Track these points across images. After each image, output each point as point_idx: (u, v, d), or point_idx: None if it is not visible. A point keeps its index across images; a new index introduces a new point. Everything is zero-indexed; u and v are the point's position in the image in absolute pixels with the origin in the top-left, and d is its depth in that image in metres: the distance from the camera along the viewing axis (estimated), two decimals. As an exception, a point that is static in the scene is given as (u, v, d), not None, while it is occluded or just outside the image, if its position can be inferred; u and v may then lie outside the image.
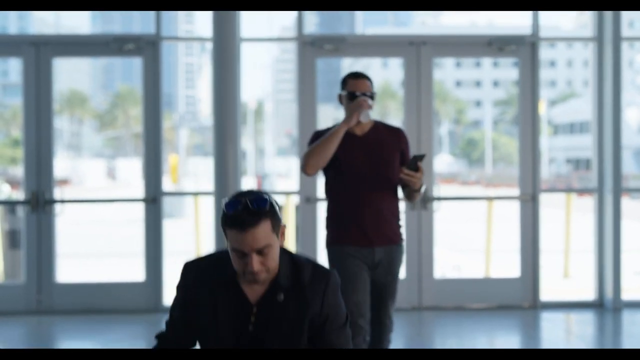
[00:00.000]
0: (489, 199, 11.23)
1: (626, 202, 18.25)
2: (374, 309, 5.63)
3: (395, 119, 75.40)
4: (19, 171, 59.66)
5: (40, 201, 9.64)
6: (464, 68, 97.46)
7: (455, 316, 9.41)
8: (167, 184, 18.06)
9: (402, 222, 5.78)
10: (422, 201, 9.70)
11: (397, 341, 8.01)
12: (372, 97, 5.70)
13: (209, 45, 9.36)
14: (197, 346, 3.69)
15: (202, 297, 3.57)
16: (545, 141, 65.21)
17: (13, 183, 35.34)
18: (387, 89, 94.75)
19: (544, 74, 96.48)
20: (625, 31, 9.76)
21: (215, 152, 8.99)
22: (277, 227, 3.49)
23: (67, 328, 9.14)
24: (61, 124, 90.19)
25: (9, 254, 10.93)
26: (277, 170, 68.56)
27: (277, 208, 3.49)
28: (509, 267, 11.32)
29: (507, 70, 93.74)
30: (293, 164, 64.57)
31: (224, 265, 3.56)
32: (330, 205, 5.74)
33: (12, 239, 10.87)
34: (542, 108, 51.66)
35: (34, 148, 9.66)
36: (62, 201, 9.79)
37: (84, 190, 49.49)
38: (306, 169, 5.64)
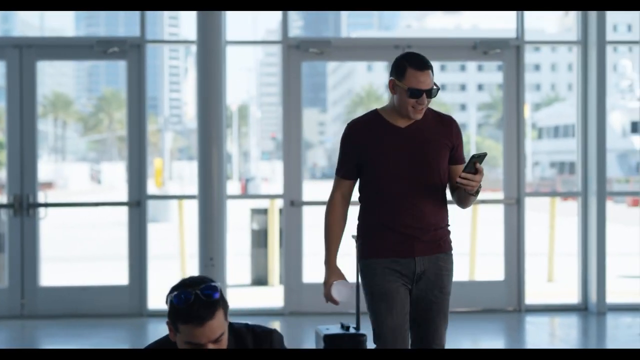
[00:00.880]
0: (474, 202, 11.21)
1: (610, 206, 18.31)
2: (419, 331, 4.90)
3: (380, 123, 75.19)
4: (2, 174, 59.43)
5: (24, 205, 9.60)
6: (449, 71, 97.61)
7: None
8: (151, 188, 18.04)
9: (451, 227, 5.02)
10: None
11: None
12: (435, 92, 4.79)
13: (194, 48, 9.35)
14: None
15: None
16: (530, 145, 65.36)
17: (-3, 186, 35.19)
18: (372, 93, 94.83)
19: (529, 77, 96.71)
20: (610, 35, 9.78)
21: (200, 156, 8.97)
22: (227, 311, 3.47)
23: (51, 332, 9.11)
24: (45, 127, 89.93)
25: (-8, 258, 10.87)
26: (261, 173, 68.56)
27: (222, 292, 3.45)
28: (493, 270, 11.33)
29: (492, 74, 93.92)
30: (277, 168, 64.58)
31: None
32: (363, 212, 4.93)
33: (-4, 242, 10.82)
34: (527, 111, 51.81)
35: (17, 151, 9.62)
36: (46, 205, 9.76)
37: (68, 194, 49.36)
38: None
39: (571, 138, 65.23)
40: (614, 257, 11.71)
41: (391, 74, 4.85)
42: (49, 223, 15.47)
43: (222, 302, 3.43)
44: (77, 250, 19.19)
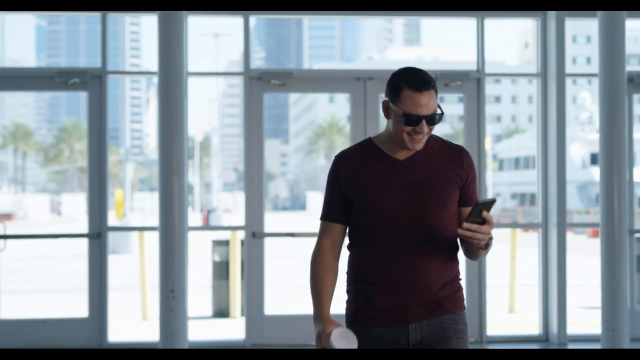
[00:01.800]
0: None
1: (570, 237, 18.39)
2: None
3: (342, 154, 75.46)
4: (-39, 206, 58.95)
5: (-18, 236, 9.49)
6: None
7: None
8: (112, 219, 17.91)
9: (462, 282, 4.10)
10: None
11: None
12: (438, 118, 3.89)
13: (156, 80, 9.32)
14: None
15: None
16: (491, 176, 65.73)
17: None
18: (334, 124, 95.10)
19: (489, 109, 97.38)
20: (569, 67, 9.89)
21: (161, 187, 8.93)
22: None
23: (8, 365, 8.98)
24: (5, 157, 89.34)
25: (-51, 290, 10.75)
26: (223, 204, 68.40)
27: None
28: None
29: (453, 106, 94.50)
30: (239, 199, 64.47)
31: None
32: (350, 264, 4.04)
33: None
34: (488, 143, 52.08)
35: (-24, 182, 9.52)
36: (5, 236, 9.66)
37: (28, 225, 48.96)
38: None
39: (532, 169, 65.75)
40: (574, 288, 11.76)
41: (386, 94, 3.94)
42: (8, 255, 15.32)
43: None
44: (37, 282, 19.00)
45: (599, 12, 8.79)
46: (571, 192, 66.24)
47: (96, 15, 9.73)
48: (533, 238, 11.05)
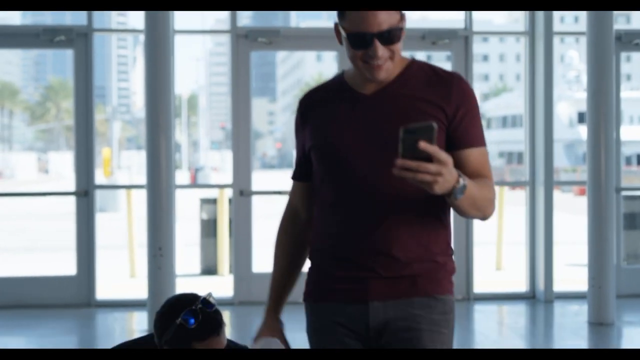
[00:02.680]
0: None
1: (557, 195, 18.44)
2: None
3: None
4: (-52, 164, 58.84)
5: (-31, 195, 9.47)
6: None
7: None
8: (99, 177, 17.90)
9: (450, 255, 3.14)
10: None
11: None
12: (395, 35, 2.94)
13: (142, 38, 9.28)
14: None
15: None
16: (478, 134, 65.71)
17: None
18: (322, 82, 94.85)
19: (477, 67, 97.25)
20: (557, 26, 9.86)
21: (148, 145, 8.91)
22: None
23: (-3, 323, 9.01)
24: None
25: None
26: (211, 163, 68.37)
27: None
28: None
29: (440, 64, 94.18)
30: (227, 157, 64.42)
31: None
32: (312, 231, 3.20)
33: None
34: (475, 102, 52.00)
35: (-38, 141, 9.49)
36: (-8, 195, 9.64)
37: (15, 184, 48.87)
38: None
39: (519, 128, 65.79)
40: (561, 246, 11.81)
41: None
42: (-5, 213, 15.33)
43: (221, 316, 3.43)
44: (24, 241, 19.01)
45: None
46: (558, 150, 66.35)
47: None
48: (520, 196, 11.08)
